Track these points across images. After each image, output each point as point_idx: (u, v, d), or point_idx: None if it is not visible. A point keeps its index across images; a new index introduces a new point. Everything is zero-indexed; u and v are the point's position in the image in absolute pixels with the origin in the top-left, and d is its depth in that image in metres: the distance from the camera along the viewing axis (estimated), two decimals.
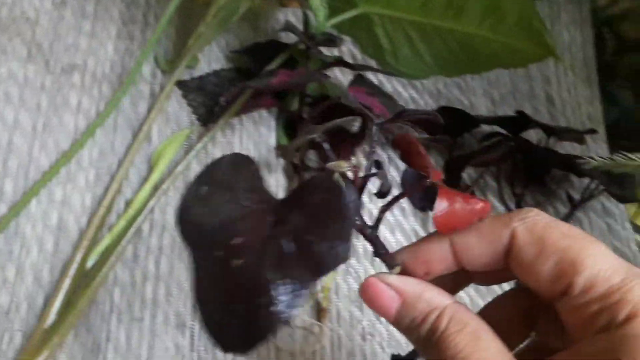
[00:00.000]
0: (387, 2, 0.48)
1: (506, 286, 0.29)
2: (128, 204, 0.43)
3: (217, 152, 0.48)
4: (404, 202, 0.48)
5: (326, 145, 0.24)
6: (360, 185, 0.24)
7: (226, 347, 0.20)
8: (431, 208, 0.23)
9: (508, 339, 0.25)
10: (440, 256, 0.24)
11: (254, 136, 0.48)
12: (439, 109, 0.51)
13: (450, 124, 0.47)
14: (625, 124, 0.59)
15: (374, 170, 0.25)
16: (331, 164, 0.23)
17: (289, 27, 0.44)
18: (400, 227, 0.47)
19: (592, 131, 0.51)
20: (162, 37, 0.50)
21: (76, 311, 0.38)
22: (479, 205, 0.23)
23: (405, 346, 0.42)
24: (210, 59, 0.51)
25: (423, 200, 0.45)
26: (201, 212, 0.23)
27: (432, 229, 0.27)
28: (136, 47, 0.50)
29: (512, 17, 0.43)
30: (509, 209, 0.49)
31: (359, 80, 0.43)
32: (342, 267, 0.44)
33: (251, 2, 0.49)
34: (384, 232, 0.46)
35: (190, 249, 0.22)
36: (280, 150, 0.47)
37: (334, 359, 0.41)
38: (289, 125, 0.48)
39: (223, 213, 0.22)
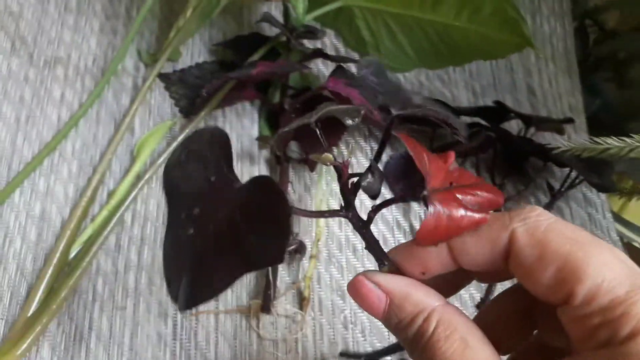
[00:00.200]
0: None
1: (507, 284, 0.28)
2: (110, 194, 0.43)
3: None
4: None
5: (319, 132, 0.23)
6: (351, 184, 0.23)
7: (173, 299, 0.22)
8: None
9: (509, 337, 0.25)
10: (436, 256, 0.23)
11: (237, 128, 0.49)
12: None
13: None
14: (607, 114, 0.59)
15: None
16: (314, 155, 0.22)
17: (267, 19, 0.44)
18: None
19: (570, 120, 0.52)
20: (144, 30, 0.51)
21: (59, 300, 0.38)
22: (477, 216, 0.22)
23: (387, 335, 0.42)
24: (194, 52, 0.52)
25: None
26: (179, 175, 0.24)
27: None
28: (119, 41, 0.51)
29: (488, 7, 0.44)
30: None
31: (339, 72, 0.43)
32: (324, 256, 0.44)
33: None
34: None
35: (167, 205, 0.24)
36: (263, 141, 0.47)
37: (316, 347, 0.41)
38: (271, 117, 0.49)
39: (194, 181, 0.24)
